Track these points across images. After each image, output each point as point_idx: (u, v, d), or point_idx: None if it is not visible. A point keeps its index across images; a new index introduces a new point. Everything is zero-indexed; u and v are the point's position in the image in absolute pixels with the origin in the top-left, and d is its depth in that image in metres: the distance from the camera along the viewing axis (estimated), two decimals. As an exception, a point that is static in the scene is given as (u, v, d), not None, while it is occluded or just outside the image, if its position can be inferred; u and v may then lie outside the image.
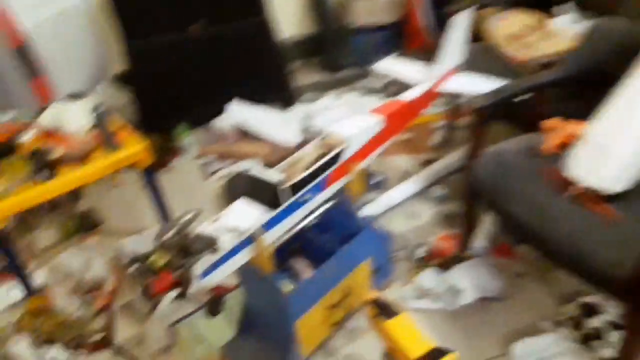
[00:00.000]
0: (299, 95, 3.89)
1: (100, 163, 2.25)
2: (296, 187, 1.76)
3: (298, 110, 3.66)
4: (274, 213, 1.71)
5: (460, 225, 2.35)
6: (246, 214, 1.68)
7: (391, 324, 1.54)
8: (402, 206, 2.84)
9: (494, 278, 2.22)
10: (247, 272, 1.81)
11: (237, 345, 2.08)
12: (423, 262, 2.40)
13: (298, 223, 1.86)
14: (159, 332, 2.13)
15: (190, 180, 3.37)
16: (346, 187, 1.99)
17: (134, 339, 2.24)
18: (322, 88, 4.03)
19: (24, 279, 2.40)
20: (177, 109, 3.53)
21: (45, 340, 2.24)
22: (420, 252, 2.42)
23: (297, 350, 1.93)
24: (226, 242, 1.60)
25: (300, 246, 2.08)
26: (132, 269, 2.66)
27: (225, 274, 1.64)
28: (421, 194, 2.91)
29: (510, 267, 2.34)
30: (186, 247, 1.55)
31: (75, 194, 3.28)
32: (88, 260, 2.48)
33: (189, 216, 1.62)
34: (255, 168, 1.75)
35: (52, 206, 3.22)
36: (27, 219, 3.13)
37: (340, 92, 3.93)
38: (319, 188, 1.87)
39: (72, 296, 2.36)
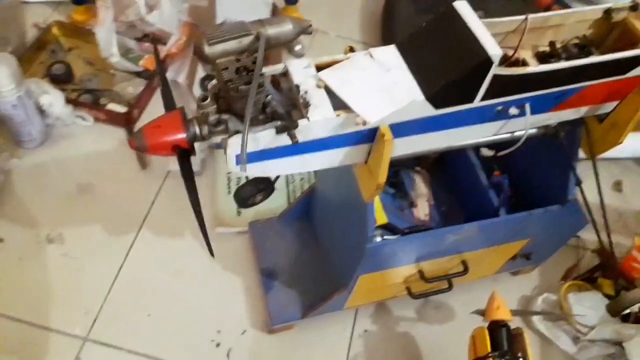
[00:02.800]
0: None
1: None
2: (511, 84, 0.81)
3: None
4: (436, 111, 0.79)
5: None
6: (385, 83, 0.77)
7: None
8: (610, 167, 1.77)
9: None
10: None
11: (270, 229, 1.37)
12: (595, 273, 1.45)
13: (466, 142, 0.94)
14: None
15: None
16: (592, 123, 0.99)
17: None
18: None
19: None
20: None
21: (58, 76, 1.62)
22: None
23: (342, 301, 1.21)
24: (319, 122, 0.74)
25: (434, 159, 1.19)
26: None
27: (286, 171, 0.82)
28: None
29: None
30: (235, 93, 0.71)
31: None
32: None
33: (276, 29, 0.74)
34: (467, 10, 0.78)
35: None
36: None
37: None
38: (549, 104, 0.90)
39: (118, 33, 1.66)
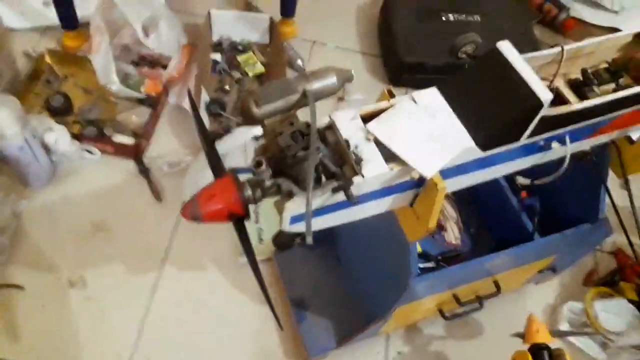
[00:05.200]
0: None
1: None
2: (556, 121, 0.81)
3: None
4: (484, 154, 0.79)
5: None
6: (433, 131, 0.76)
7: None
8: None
9: None
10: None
11: (295, 256, 1.36)
12: (615, 277, 1.48)
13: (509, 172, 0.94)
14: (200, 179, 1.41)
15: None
16: (622, 145, 1.00)
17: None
18: None
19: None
20: None
21: (57, 109, 1.57)
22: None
23: (377, 329, 1.21)
24: (373, 178, 0.73)
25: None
26: (214, 56, 1.86)
27: (332, 224, 0.81)
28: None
29: None
30: (292, 159, 0.69)
31: None
32: (153, 19, 1.64)
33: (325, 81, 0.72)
34: (513, 52, 0.76)
35: None
36: None
37: None
38: (587, 132, 0.90)
39: (116, 59, 1.60)
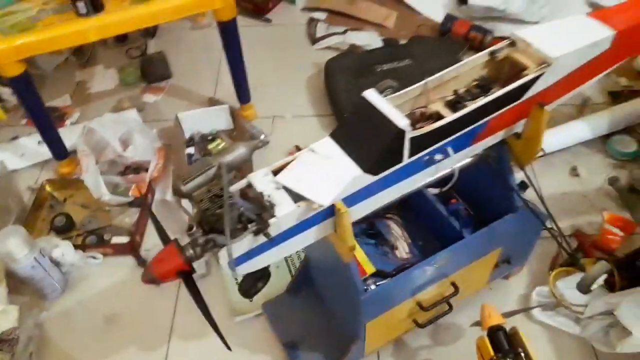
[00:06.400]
0: None
1: (167, 2, 1.70)
2: (425, 140, 1.00)
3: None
4: (373, 179, 0.98)
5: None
6: (326, 174, 0.96)
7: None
8: (563, 156, 1.96)
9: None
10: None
11: (282, 305, 1.52)
12: (575, 255, 1.60)
13: (410, 190, 1.12)
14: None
15: (287, 42, 2.63)
16: (512, 141, 1.18)
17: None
18: None
19: (53, 133, 1.93)
20: None
21: (61, 227, 1.81)
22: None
23: (361, 349, 1.35)
24: (285, 216, 0.92)
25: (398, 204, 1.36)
26: (187, 151, 2.12)
27: (272, 260, 0.99)
28: (594, 143, 1.99)
29: None
30: (213, 217, 0.90)
31: (148, 29, 2.68)
32: (129, 133, 1.92)
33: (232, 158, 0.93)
34: (375, 97, 0.97)
35: (119, 37, 2.66)
36: (83, 48, 2.61)
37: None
38: (467, 141, 1.08)
39: (103, 174, 1.86)
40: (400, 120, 0.94)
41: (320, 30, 2.67)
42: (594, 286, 1.28)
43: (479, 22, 2.54)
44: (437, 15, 2.64)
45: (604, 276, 1.32)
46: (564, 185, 1.87)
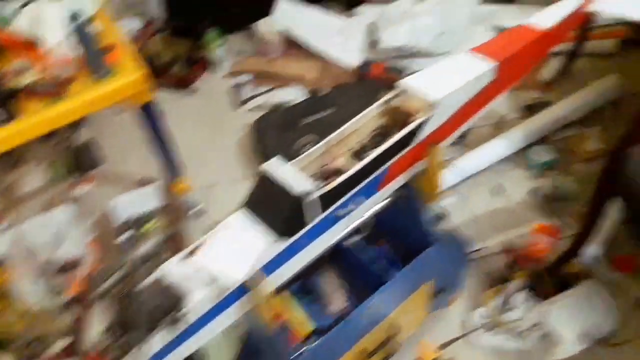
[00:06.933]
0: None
1: (81, 98, 1.65)
2: (333, 195, 1.03)
3: (364, 16, 2.82)
4: (287, 243, 1.00)
5: (577, 222, 1.56)
6: (242, 247, 0.98)
7: None
8: (487, 175, 2.04)
9: (606, 310, 1.50)
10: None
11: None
12: (507, 271, 1.65)
13: (329, 245, 1.14)
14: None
15: (215, 109, 2.68)
16: (417, 178, 1.23)
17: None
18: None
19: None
20: (211, 5, 2.83)
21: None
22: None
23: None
24: (199, 303, 0.92)
25: (329, 256, 1.38)
26: (122, 237, 2.09)
27: (192, 350, 0.98)
28: (516, 157, 2.08)
29: (629, 289, 1.60)
30: (129, 314, 0.90)
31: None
32: (59, 232, 1.89)
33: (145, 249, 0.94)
34: (273, 167, 1.01)
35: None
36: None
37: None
38: (373, 188, 1.13)
39: (36, 279, 1.81)
40: (300, 186, 0.97)
41: (247, 92, 2.74)
42: (518, 301, 1.32)
43: (393, 62, 2.66)
44: (355, 60, 2.74)
45: (523, 291, 1.37)
46: (491, 203, 1.94)
